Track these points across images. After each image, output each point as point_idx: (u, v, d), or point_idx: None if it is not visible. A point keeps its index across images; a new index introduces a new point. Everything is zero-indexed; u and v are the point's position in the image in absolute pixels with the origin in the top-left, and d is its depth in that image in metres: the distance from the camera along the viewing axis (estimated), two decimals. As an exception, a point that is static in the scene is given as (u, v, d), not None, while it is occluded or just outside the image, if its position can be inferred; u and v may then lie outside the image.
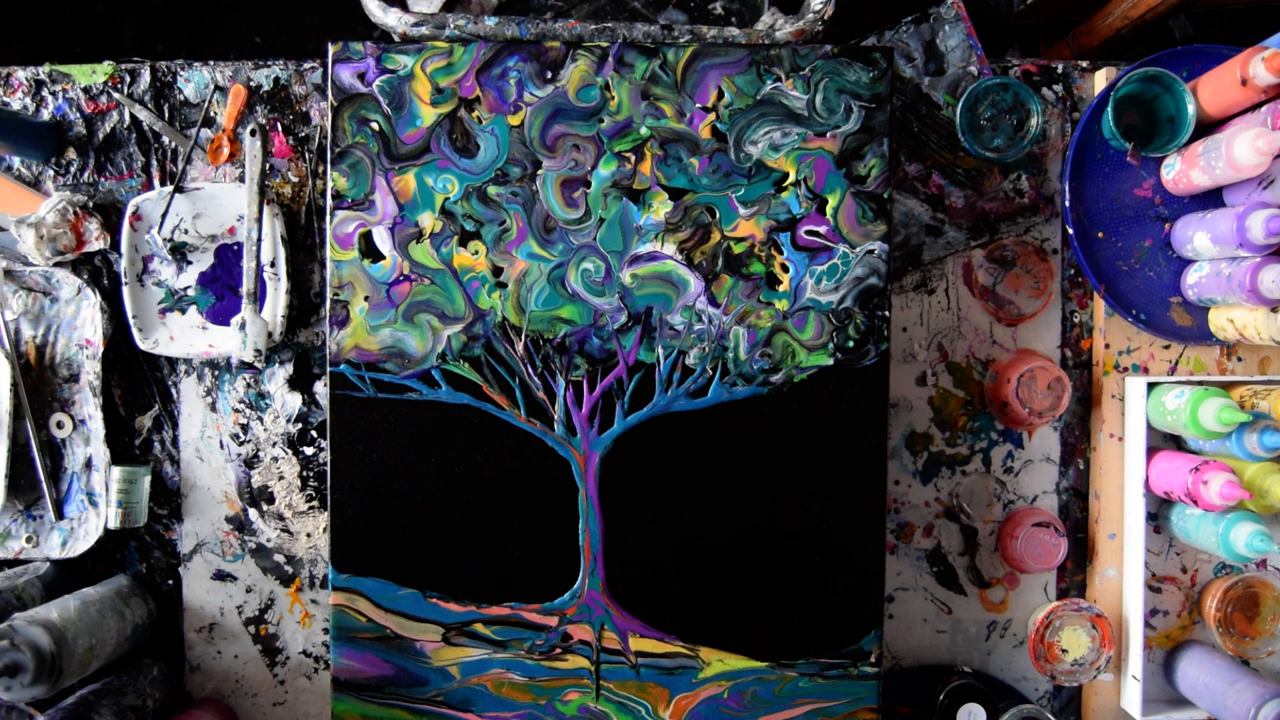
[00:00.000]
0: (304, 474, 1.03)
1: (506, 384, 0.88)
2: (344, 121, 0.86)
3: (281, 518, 1.03)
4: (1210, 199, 0.99)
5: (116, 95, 1.02)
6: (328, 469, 0.88)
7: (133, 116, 1.02)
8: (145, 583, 1.03)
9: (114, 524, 0.98)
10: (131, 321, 0.99)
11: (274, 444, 1.03)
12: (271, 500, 1.03)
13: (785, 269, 0.88)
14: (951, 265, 1.04)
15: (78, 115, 1.02)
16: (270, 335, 0.99)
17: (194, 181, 1.02)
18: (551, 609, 0.88)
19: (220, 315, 1.01)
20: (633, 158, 0.87)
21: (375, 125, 0.86)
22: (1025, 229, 1.04)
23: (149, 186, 1.03)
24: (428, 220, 0.87)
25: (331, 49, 0.86)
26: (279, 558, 1.03)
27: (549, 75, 0.87)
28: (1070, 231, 0.98)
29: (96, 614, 0.92)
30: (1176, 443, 1.02)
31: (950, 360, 1.04)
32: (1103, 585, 1.02)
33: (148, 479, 1.01)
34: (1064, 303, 1.04)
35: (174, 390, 1.03)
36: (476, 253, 0.87)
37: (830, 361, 0.88)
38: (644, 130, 0.87)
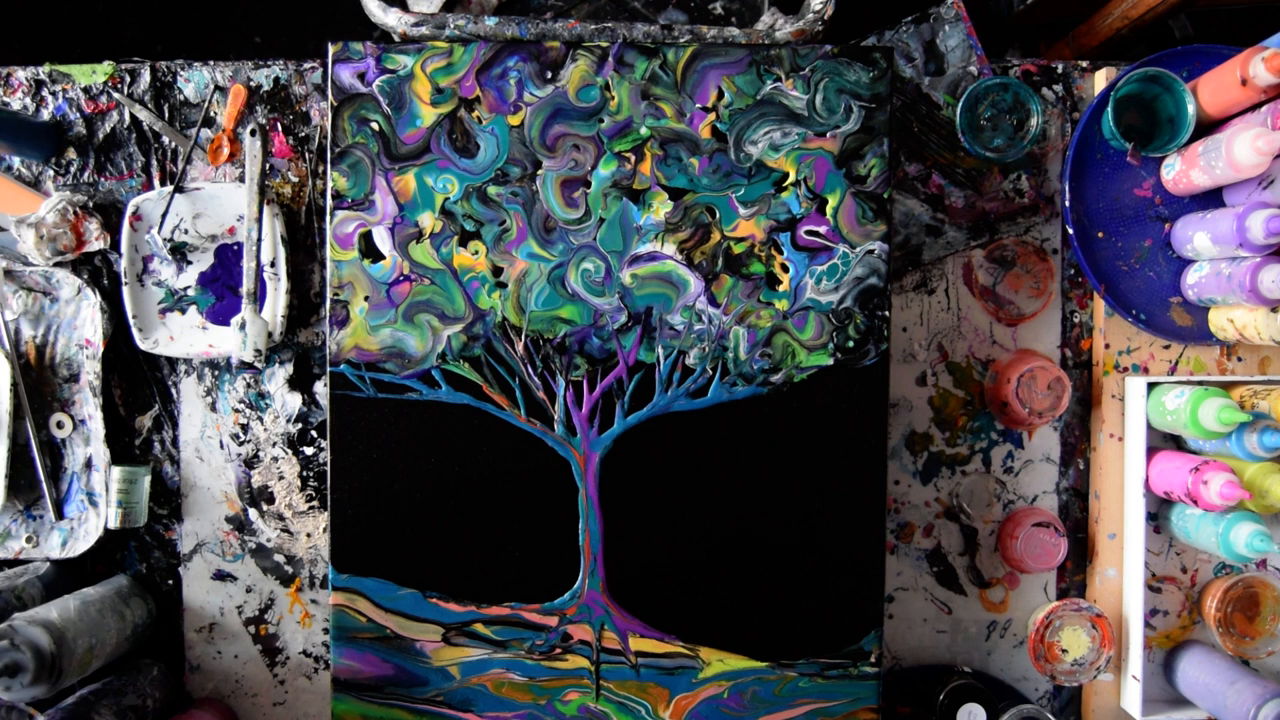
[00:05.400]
0: (304, 474, 1.03)
1: (506, 384, 0.88)
2: (344, 121, 0.86)
3: (281, 518, 1.03)
4: (1210, 199, 0.99)
5: (116, 95, 1.02)
6: (328, 469, 0.88)
7: (133, 116, 1.02)
8: (145, 583, 1.03)
9: (114, 524, 0.98)
10: (131, 321, 0.99)
11: (274, 444, 1.03)
12: (271, 500, 1.03)
13: (785, 269, 0.88)
14: (951, 265, 1.04)
15: (78, 115, 1.02)
16: (270, 335, 0.98)
17: (194, 181, 1.02)
18: (551, 609, 0.88)
19: (220, 315, 1.01)
20: (633, 158, 0.87)
21: (375, 125, 0.86)
22: (1025, 229, 1.04)
23: (149, 186, 1.03)
24: (428, 220, 0.87)
25: (331, 49, 0.86)
26: (279, 558, 1.03)
27: (549, 75, 0.87)
28: (1070, 231, 0.98)
29: (96, 614, 0.91)
30: (1176, 443, 1.02)
31: (950, 360, 1.04)
32: (1103, 585, 1.02)
33: (148, 479, 1.01)
34: (1064, 303, 1.04)
35: (174, 390, 1.03)
36: (476, 253, 0.87)
37: (830, 361, 0.88)
38: (644, 130, 0.87)
